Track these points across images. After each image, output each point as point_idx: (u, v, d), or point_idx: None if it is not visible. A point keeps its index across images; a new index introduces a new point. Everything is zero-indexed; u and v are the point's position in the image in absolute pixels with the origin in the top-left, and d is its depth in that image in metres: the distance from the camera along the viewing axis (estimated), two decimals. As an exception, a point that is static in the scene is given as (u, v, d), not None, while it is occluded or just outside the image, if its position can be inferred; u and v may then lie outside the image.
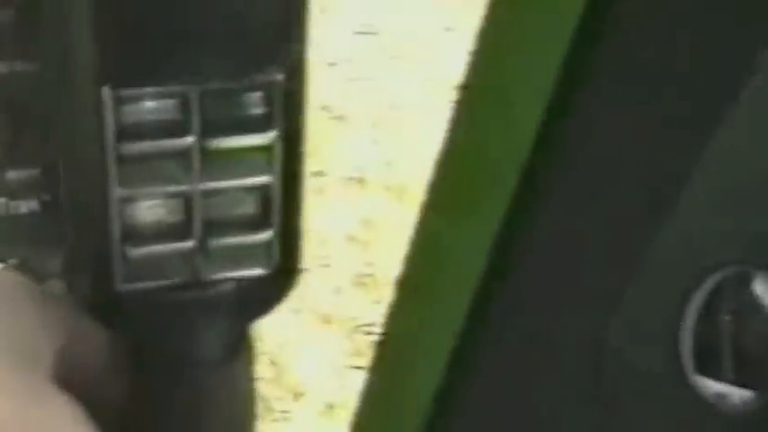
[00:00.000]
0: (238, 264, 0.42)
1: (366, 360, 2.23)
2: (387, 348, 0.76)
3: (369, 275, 2.62)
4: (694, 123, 0.53)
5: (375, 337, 2.41)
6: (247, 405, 0.47)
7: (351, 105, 3.15)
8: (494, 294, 0.67)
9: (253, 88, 0.40)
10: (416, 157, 2.96)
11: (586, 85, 0.60)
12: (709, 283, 0.49)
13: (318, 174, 2.77)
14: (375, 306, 2.46)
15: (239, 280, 0.42)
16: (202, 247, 0.41)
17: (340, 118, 3.06)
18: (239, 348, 0.45)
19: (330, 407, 2.25)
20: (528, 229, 0.64)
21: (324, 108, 2.98)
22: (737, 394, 0.48)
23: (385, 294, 2.52)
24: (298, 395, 2.29)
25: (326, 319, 2.48)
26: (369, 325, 2.40)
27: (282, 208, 0.42)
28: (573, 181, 0.62)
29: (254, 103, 0.40)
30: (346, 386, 2.23)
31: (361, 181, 2.95)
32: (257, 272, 0.43)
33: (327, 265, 2.61)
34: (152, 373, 0.45)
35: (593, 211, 0.61)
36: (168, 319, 0.42)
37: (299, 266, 0.44)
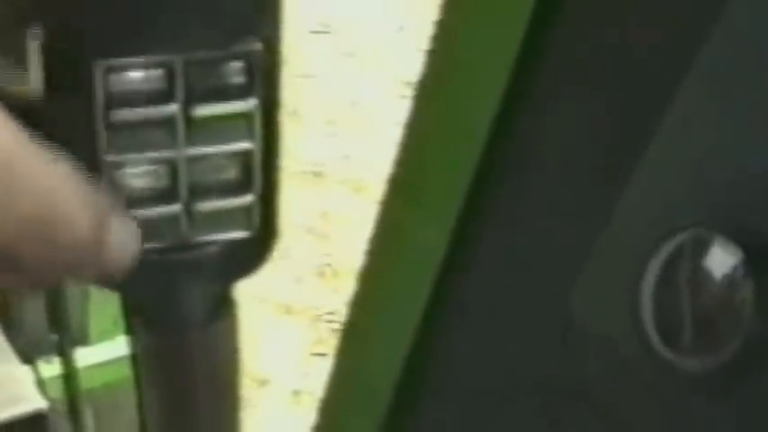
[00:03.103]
0: (222, 226, 0.43)
1: (328, 348, 2.24)
2: (350, 334, 0.76)
3: (328, 266, 2.62)
4: (650, 93, 0.54)
5: (336, 326, 2.43)
6: (232, 364, 0.48)
7: (307, 102, 3.15)
8: (455, 279, 0.67)
9: (233, 58, 0.41)
10: (371, 151, 2.97)
11: (541, 63, 0.60)
12: (667, 249, 0.50)
13: (277, 169, 2.76)
14: (335, 295, 2.46)
15: (223, 242, 0.43)
16: (188, 211, 0.42)
17: (296, 114, 3.06)
18: (223, 309, 0.46)
19: (296, 394, 2.25)
20: (487, 211, 0.64)
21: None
22: (696, 357, 0.49)
23: (344, 284, 2.53)
24: (263, 383, 2.29)
25: (288, 309, 2.49)
26: (330, 314, 2.41)
27: (262, 173, 0.43)
28: (530, 161, 0.62)
29: (235, 73, 0.41)
30: (310, 373, 2.24)
31: (318, 175, 2.96)
32: (239, 234, 0.44)
33: (287, 257, 2.61)
34: (141, 332, 0.46)
35: (551, 189, 0.61)
36: (156, 281, 0.43)
37: (278, 230, 0.45)
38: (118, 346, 1.58)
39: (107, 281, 0.42)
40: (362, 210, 2.74)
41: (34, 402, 1.43)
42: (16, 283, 0.43)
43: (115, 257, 0.40)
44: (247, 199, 0.43)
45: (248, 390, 2.31)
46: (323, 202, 2.87)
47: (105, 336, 1.62)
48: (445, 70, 0.65)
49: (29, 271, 0.38)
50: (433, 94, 0.66)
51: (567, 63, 0.59)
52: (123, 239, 0.40)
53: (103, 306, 1.56)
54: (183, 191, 0.42)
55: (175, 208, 0.42)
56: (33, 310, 1.53)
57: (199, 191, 0.42)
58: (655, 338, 0.50)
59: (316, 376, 2.07)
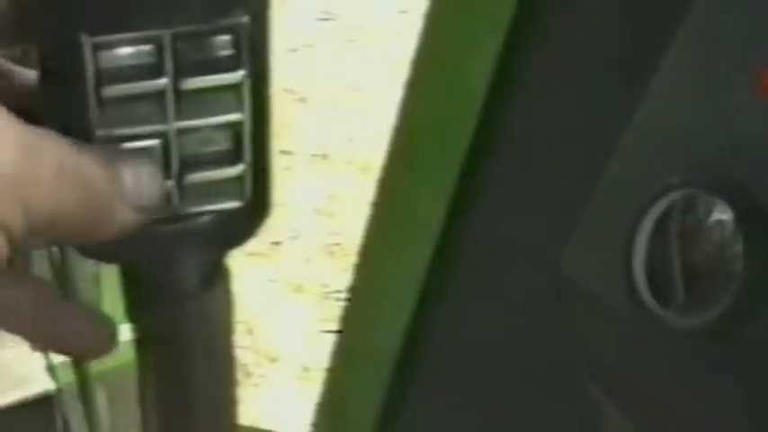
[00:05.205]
0: (213, 197, 0.43)
1: (337, 325, 2.25)
2: (353, 306, 0.76)
3: (336, 245, 2.63)
4: (638, 58, 0.54)
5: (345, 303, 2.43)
6: (227, 333, 0.48)
7: (313, 88, 3.15)
8: (452, 246, 0.67)
9: (221, 31, 0.40)
10: (376, 133, 2.97)
11: (534, 34, 0.60)
12: (658, 209, 0.50)
13: (285, 153, 2.77)
14: (344, 274, 2.46)
15: (215, 212, 0.43)
16: (180, 183, 0.42)
17: (303, 100, 3.07)
18: (217, 278, 0.46)
19: (305, 370, 2.26)
20: (483, 180, 0.65)
21: (287, 91, 2.99)
22: (688, 314, 0.49)
23: (352, 262, 2.53)
24: (274, 360, 2.30)
25: (298, 288, 2.49)
26: (338, 291, 2.41)
27: (253, 144, 0.43)
28: (523, 127, 0.62)
29: (223, 46, 0.41)
30: (319, 350, 2.24)
31: (325, 157, 2.96)
32: (231, 204, 0.43)
33: (297, 237, 2.62)
34: (137, 302, 0.46)
35: (544, 153, 0.61)
36: (150, 251, 0.42)
37: (271, 200, 0.45)
38: (129, 329, 1.57)
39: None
40: (369, 190, 2.74)
41: (42, 384, 1.43)
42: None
43: (140, 198, 0.41)
44: (238, 169, 0.43)
45: (259, 366, 2.32)
46: (330, 183, 2.87)
47: (116, 319, 1.61)
48: (440, 43, 0.65)
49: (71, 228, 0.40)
50: (428, 68, 0.66)
51: (559, 29, 0.59)
52: (142, 180, 0.41)
53: (114, 289, 1.55)
54: (174, 163, 0.42)
55: (167, 181, 0.42)
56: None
57: (190, 163, 0.42)
58: (647, 297, 0.50)
59: (325, 353, 2.06)
